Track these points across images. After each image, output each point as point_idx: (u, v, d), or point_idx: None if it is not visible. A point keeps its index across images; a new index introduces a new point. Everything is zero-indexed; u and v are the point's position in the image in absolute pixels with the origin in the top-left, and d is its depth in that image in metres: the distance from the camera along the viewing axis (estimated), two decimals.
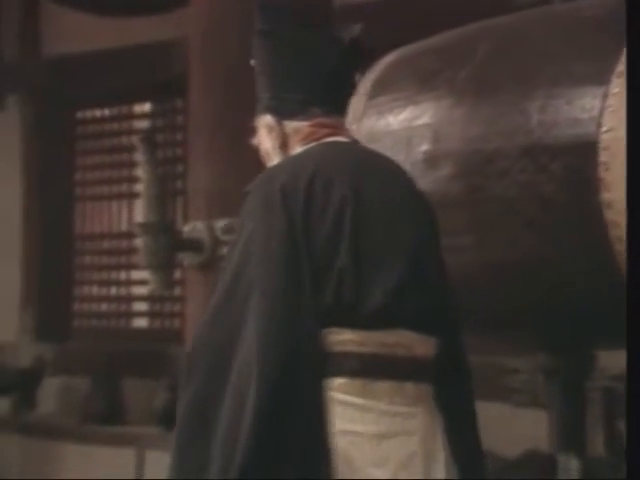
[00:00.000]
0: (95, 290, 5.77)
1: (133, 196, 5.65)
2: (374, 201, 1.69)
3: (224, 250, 2.89)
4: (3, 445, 5.21)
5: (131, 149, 5.74)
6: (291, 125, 1.79)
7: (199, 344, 1.69)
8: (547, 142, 1.82)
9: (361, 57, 1.85)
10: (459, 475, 1.70)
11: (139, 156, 3.03)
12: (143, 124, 5.60)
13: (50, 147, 5.65)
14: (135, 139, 5.49)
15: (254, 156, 2.90)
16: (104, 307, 5.72)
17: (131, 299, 5.71)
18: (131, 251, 5.66)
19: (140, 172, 3.07)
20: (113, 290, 5.72)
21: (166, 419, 4.77)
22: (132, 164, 5.65)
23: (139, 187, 5.38)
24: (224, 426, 1.60)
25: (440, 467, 1.67)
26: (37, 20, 5.54)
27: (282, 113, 1.79)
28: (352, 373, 1.62)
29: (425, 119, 2.00)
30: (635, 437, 1.43)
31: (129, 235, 5.68)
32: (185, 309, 5.08)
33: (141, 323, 5.67)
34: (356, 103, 2.30)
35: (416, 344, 1.67)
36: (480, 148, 1.89)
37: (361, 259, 1.64)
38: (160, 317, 5.47)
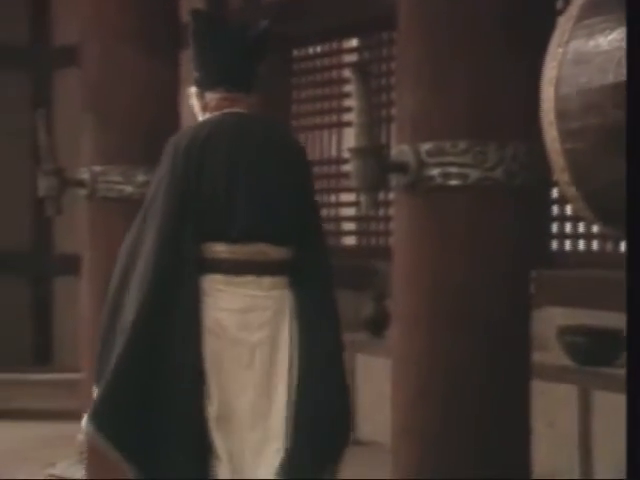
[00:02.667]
0: None
1: (342, 125, 5.63)
2: (247, 156, 2.29)
3: (429, 171, 2.80)
4: None
5: (340, 82, 5.70)
6: (209, 96, 2.40)
7: (120, 257, 2.29)
8: None
9: (265, 48, 2.48)
10: (304, 335, 2.34)
11: (352, 86, 2.95)
12: (352, 58, 5.53)
13: (270, 83, 5.70)
14: (347, 72, 5.46)
15: (458, 83, 2.79)
16: None
17: (340, 219, 5.72)
18: (340, 176, 5.66)
19: (353, 101, 3.00)
20: (324, 211, 5.76)
21: (373, 326, 4.80)
22: (341, 96, 5.61)
23: (349, 116, 5.37)
24: (127, 307, 2.19)
25: (285, 330, 2.31)
26: None
27: (203, 87, 2.40)
28: (225, 271, 2.25)
29: None
30: (635, 437, 1.29)
31: (338, 161, 5.68)
32: (392, 227, 5.06)
33: (350, 241, 5.68)
34: (562, 27, 2.12)
35: (271, 252, 2.31)
36: None
37: (233, 197, 2.24)
38: (367, 235, 5.46)
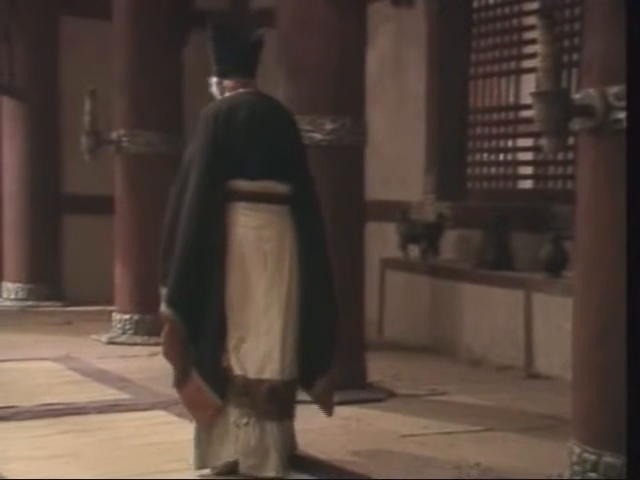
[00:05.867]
0: (486, 156, 5.67)
1: (521, 72, 5.39)
2: (258, 119, 2.98)
3: (616, 115, 2.62)
4: (416, 283, 5.41)
5: (520, 30, 5.44)
6: (226, 82, 3.07)
7: (170, 199, 3.00)
8: None
9: (262, 47, 3.09)
10: (300, 248, 2.99)
11: (538, 32, 2.79)
12: (532, 6, 5.25)
13: (450, 34, 5.55)
14: (527, 20, 5.19)
15: None
16: (493, 171, 5.61)
17: (517, 163, 5.53)
18: (517, 121, 5.44)
19: (538, 47, 2.84)
20: (501, 156, 5.58)
21: (551, 267, 4.62)
22: (521, 43, 5.36)
23: (528, 63, 5.12)
24: (180, 228, 2.95)
25: (287, 243, 2.98)
26: None
27: (221, 76, 3.08)
28: (245, 199, 2.96)
29: None
30: (635, 437, 1.10)
31: (516, 107, 5.46)
32: (570, 171, 4.82)
33: (526, 184, 5.48)
34: None
35: (276, 187, 2.99)
36: None
37: (250, 149, 2.96)
38: (544, 179, 5.24)
